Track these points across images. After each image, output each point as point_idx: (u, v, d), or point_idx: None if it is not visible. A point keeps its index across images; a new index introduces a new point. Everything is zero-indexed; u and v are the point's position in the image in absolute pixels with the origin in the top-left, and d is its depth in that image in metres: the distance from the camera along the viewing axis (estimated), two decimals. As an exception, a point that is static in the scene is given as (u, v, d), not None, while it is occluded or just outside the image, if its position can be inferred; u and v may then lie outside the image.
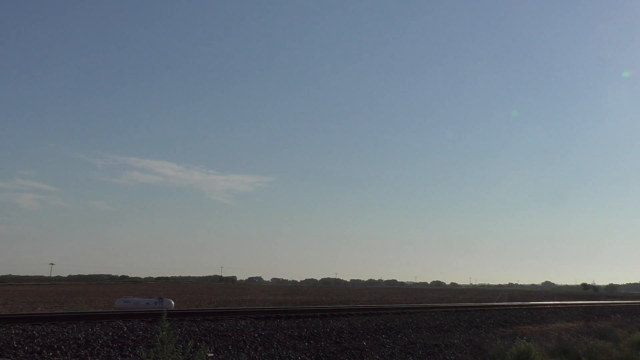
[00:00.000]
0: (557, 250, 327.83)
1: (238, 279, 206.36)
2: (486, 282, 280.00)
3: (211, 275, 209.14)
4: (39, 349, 10.65)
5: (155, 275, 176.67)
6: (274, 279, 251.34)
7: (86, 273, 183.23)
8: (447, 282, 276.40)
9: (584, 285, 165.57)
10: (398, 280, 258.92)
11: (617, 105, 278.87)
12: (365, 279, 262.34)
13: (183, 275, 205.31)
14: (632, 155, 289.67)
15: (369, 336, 15.54)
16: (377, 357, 13.66)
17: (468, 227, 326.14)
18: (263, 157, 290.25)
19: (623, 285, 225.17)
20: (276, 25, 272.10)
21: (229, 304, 36.50)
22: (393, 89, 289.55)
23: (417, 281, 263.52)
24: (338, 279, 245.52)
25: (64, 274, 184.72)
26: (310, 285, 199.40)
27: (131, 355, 11.06)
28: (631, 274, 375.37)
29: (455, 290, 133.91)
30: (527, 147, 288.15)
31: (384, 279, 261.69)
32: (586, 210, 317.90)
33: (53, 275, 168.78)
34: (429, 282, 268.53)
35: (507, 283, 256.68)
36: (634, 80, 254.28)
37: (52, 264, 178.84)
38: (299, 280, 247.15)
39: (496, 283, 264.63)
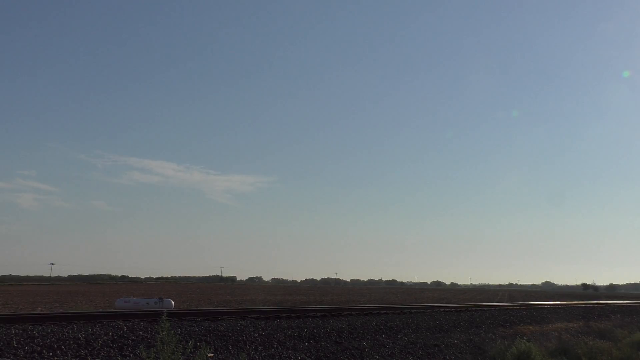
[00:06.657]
0: (557, 250, 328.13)
1: (238, 279, 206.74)
2: (486, 282, 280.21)
3: (211, 275, 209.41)
4: (39, 349, 10.64)
5: (155, 275, 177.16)
6: (274, 279, 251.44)
7: (86, 273, 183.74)
8: (447, 282, 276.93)
9: (584, 285, 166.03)
10: (398, 280, 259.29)
11: (617, 105, 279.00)
12: (365, 279, 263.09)
13: (183, 275, 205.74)
14: (632, 155, 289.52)
15: (369, 336, 15.54)
16: (377, 357, 13.65)
17: (468, 227, 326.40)
18: (263, 157, 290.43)
19: (623, 285, 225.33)
20: (276, 25, 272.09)
21: (229, 304, 36.52)
22: (393, 89, 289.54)
23: (417, 281, 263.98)
24: (338, 279, 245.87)
25: (64, 274, 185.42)
26: (310, 285, 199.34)
27: (131, 355, 11.05)
28: (631, 274, 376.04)
29: (455, 290, 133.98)
30: (527, 147, 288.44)
31: (384, 279, 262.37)
32: (586, 210, 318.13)
33: (53, 275, 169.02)
34: (429, 282, 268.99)
35: (507, 283, 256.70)
36: (634, 80, 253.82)
37: (52, 264, 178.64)
38: (299, 280, 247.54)
39: (496, 283, 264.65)
